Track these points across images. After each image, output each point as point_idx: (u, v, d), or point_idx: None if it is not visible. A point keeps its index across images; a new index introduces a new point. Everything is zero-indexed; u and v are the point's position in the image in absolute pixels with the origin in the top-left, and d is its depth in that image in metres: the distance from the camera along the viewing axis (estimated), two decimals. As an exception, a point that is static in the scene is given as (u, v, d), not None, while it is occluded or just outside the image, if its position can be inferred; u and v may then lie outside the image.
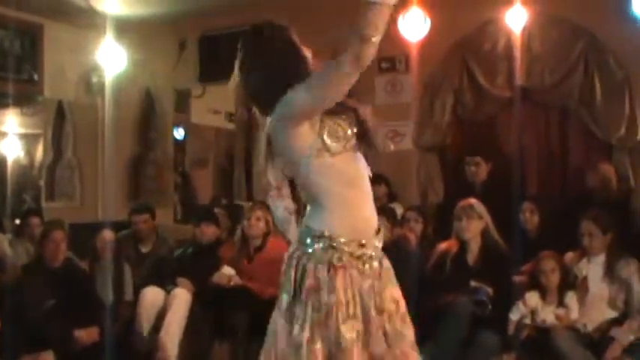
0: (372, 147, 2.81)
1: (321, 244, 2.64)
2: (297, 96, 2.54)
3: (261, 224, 5.93)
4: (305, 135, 2.61)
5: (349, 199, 2.70)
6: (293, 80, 2.58)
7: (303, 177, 2.70)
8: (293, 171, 2.74)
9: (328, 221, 2.67)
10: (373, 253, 2.73)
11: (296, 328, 2.62)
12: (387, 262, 2.80)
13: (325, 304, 2.60)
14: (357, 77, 2.45)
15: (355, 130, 2.71)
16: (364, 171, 2.78)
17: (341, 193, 2.68)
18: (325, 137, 2.63)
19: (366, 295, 2.67)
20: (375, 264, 2.73)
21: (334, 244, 2.64)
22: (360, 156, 2.77)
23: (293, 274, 2.66)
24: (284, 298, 2.69)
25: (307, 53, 2.75)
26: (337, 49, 2.45)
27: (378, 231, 2.79)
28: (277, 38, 2.71)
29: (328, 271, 2.62)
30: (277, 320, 2.69)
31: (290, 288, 2.67)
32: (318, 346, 2.59)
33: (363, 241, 2.69)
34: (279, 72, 2.66)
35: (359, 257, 2.67)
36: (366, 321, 2.65)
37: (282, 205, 3.01)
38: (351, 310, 2.62)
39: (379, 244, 2.78)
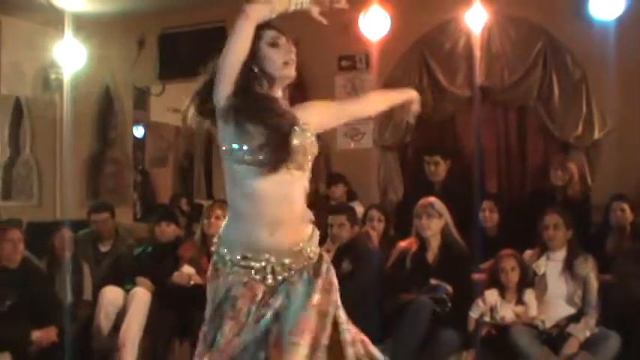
0: (283, 165, 2.70)
1: (215, 248, 2.85)
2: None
3: (221, 223, 5.88)
4: (221, 132, 2.70)
5: (244, 212, 2.75)
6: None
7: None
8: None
9: (226, 225, 2.87)
10: (266, 265, 2.74)
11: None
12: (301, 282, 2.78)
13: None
14: (251, 32, 2.62)
15: (276, 148, 2.66)
16: (273, 189, 2.69)
17: (238, 204, 2.77)
18: (234, 144, 2.66)
19: (240, 301, 2.73)
20: (272, 277, 2.75)
21: (220, 250, 2.82)
22: (277, 174, 2.68)
23: None
24: None
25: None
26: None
27: (293, 251, 2.78)
28: None
29: (213, 271, 2.84)
30: None
31: None
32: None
33: (249, 255, 2.74)
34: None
35: (247, 267, 2.75)
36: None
37: None
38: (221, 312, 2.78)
39: (289, 262, 2.76)
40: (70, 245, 6.11)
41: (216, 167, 8.93)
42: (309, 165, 2.79)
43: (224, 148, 2.68)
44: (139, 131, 9.15)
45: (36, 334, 5.20)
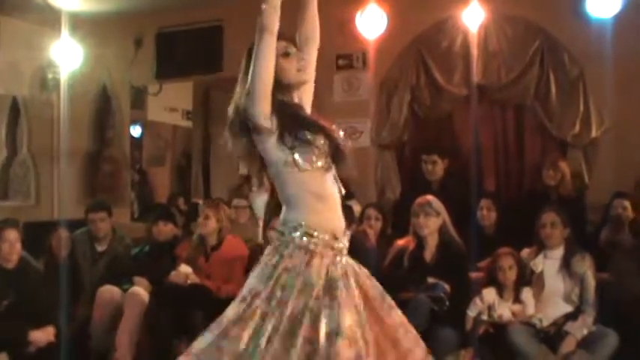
0: (343, 167, 2.94)
1: (298, 233, 2.80)
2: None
3: (211, 223, 5.87)
4: (273, 146, 2.81)
5: (317, 208, 2.85)
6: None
7: (276, 181, 2.90)
8: (271, 173, 2.92)
9: (304, 216, 2.83)
10: (344, 247, 2.91)
11: (250, 300, 2.75)
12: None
13: (295, 284, 2.73)
14: (274, 44, 2.75)
15: (328, 153, 2.87)
16: (332, 188, 2.90)
17: (310, 203, 2.84)
18: (296, 155, 2.79)
19: (338, 282, 2.78)
20: (345, 259, 2.90)
21: (311, 232, 2.80)
22: (330, 175, 2.90)
23: (269, 260, 2.81)
24: (251, 283, 2.80)
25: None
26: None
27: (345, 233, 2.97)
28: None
29: (305, 254, 2.78)
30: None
31: (263, 273, 2.79)
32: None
33: (336, 235, 2.87)
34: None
35: (333, 248, 2.84)
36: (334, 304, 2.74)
37: (260, 200, 3.16)
38: (315, 293, 2.73)
39: (347, 244, 2.95)
40: (67, 245, 6.10)
41: (214, 166, 8.94)
42: None
43: (283, 161, 2.81)
44: (136, 130, 9.15)
45: (33, 334, 5.19)
